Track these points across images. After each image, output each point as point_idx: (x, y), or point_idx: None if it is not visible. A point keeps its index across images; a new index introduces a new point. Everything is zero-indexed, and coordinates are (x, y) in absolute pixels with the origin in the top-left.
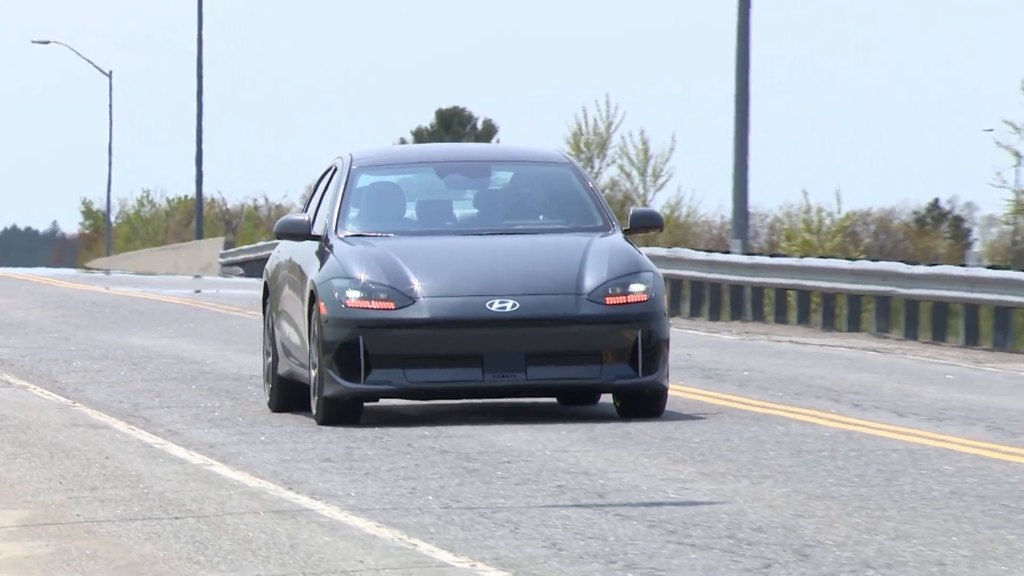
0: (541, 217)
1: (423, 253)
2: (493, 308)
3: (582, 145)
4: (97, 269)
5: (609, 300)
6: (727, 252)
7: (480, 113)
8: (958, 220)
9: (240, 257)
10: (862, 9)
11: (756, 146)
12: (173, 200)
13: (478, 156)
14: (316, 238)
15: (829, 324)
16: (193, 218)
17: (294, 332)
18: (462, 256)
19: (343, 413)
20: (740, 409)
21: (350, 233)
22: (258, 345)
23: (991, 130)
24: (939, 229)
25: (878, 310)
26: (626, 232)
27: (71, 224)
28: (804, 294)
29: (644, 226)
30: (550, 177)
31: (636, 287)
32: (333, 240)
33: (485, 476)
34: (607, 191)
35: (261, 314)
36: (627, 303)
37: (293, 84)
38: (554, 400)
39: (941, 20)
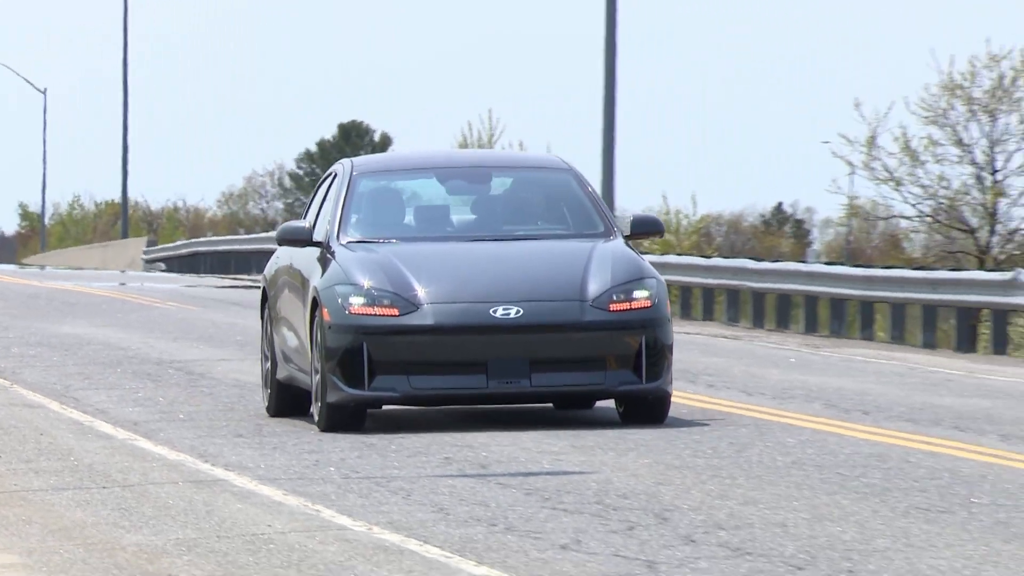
0: (542, 223)
1: (426, 259)
2: (497, 315)
3: None
4: (32, 265)
5: (613, 306)
6: None
7: (377, 126)
8: (799, 222)
9: (161, 254)
10: (717, 34)
11: (622, 154)
12: (101, 203)
13: (479, 162)
14: (317, 244)
15: (686, 314)
16: (119, 219)
17: (294, 337)
18: (465, 262)
19: (346, 420)
20: None
21: (352, 239)
22: (177, 332)
23: (828, 142)
24: (783, 230)
25: (729, 301)
26: (627, 238)
27: (9, 224)
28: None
29: (645, 232)
30: (550, 183)
31: (640, 293)
32: (335, 246)
33: (380, 450)
34: None
35: (186, 306)
36: (631, 309)
37: (210, 98)
38: (548, 404)
39: (786, 44)
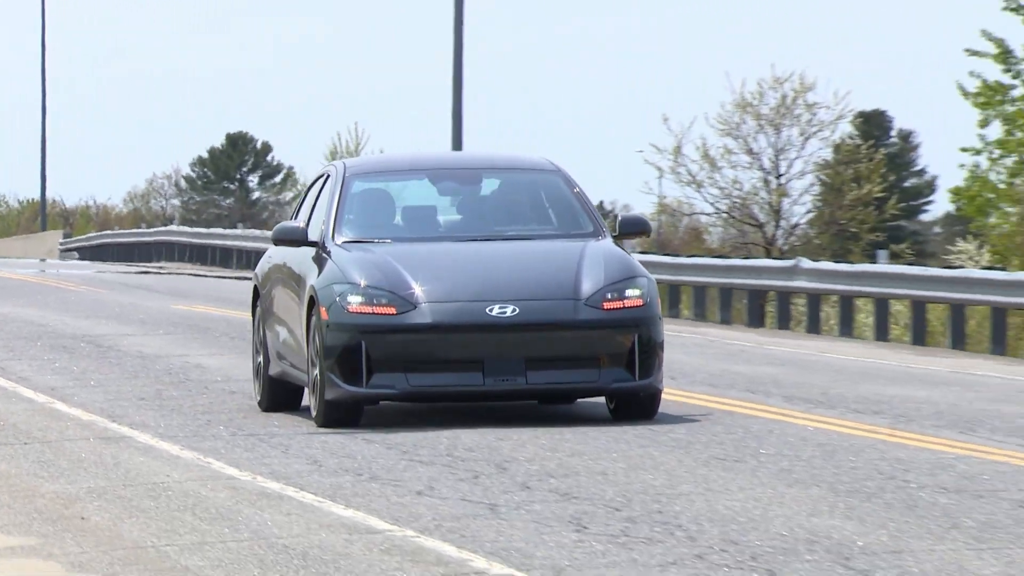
0: (532, 223)
1: (422, 259)
2: (493, 313)
3: (335, 159)
4: None
5: (606, 305)
6: None
7: (259, 136)
8: (617, 218)
9: (75, 245)
10: (551, 56)
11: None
12: (24, 201)
13: (469, 164)
14: (313, 244)
15: None
16: (39, 215)
17: (289, 335)
18: (460, 262)
19: (344, 416)
20: None
21: (347, 239)
22: (88, 312)
23: (641, 151)
24: None
25: None
26: (615, 238)
27: None
28: None
29: (633, 232)
30: (540, 184)
31: (632, 292)
32: (330, 246)
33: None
34: None
35: (96, 289)
36: (624, 308)
37: (116, 107)
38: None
39: (608, 67)
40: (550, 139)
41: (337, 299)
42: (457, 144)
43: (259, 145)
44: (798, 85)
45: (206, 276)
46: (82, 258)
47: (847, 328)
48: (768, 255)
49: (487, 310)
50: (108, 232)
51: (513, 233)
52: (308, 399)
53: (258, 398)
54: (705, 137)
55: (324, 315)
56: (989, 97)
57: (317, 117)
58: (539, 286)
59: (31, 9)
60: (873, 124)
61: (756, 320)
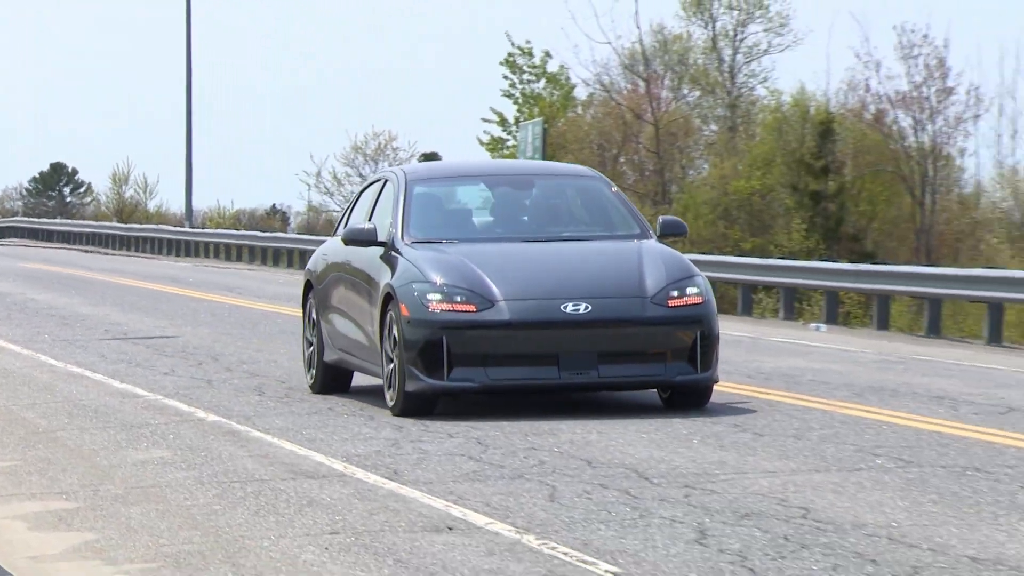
0: (584, 225)
1: (492, 258)
2: (567, 311)
3: (115, 179)
4: None
5: (671, 303)
6: (182, 228)
7: (71, 163)
8: (284, 214)
9: None
10: (267, 100)
11: (197, 174)
12: None
13: (520, 171)
14: (382, 244)
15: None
16: None
17: (354, 328)
18: (531, 261)
19: (420, 406)
20: (260, 310)
21: (415, 239)
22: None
23: (297, 173)
24: (274, 218)
25: (251, 255)
26: (658, 238)
27: None
28: (238, 249)
29: (672, 233)
30: (585, 189)
31: (692, 290)
32: (401, 246)
33: (79, 331)
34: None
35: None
36: (686, 305)
37: None
38: None
39: (283, 119)
40: (251, 164)
41: (416, 296)
42: (189, 167)
43: (70, 169)
44: (388, 136)
45: (38, 247)
46: None
47: None
48: None
49: (561, 307)
50: None
51: (569, 234)
52: (377, 385)
53: (310, 382)
54: (334, 167)
55: (404, 311)
56: (495, 146)
57: (105, 148)
58: (607, 285)
59: None
60: (430, 160)
61: None
